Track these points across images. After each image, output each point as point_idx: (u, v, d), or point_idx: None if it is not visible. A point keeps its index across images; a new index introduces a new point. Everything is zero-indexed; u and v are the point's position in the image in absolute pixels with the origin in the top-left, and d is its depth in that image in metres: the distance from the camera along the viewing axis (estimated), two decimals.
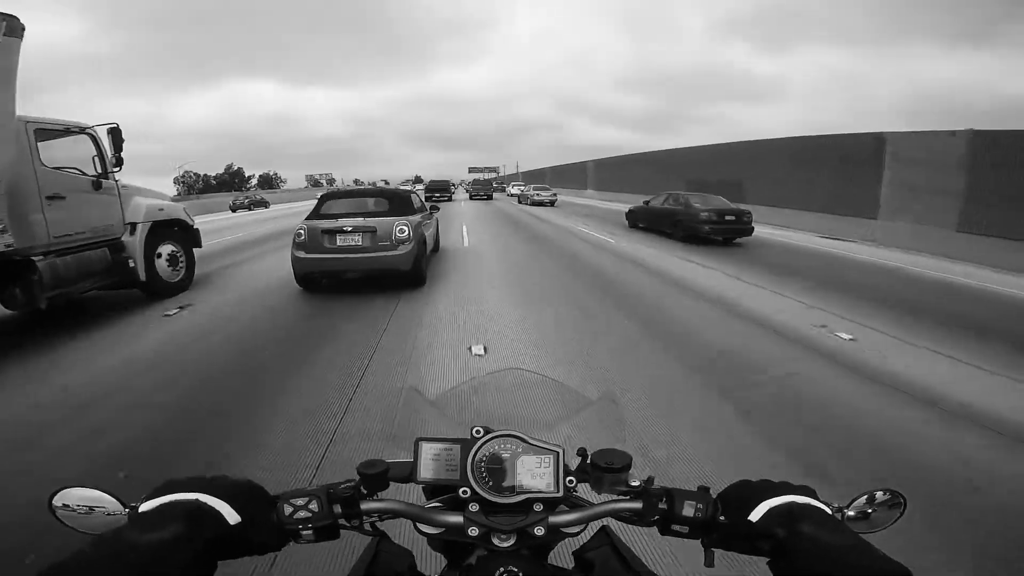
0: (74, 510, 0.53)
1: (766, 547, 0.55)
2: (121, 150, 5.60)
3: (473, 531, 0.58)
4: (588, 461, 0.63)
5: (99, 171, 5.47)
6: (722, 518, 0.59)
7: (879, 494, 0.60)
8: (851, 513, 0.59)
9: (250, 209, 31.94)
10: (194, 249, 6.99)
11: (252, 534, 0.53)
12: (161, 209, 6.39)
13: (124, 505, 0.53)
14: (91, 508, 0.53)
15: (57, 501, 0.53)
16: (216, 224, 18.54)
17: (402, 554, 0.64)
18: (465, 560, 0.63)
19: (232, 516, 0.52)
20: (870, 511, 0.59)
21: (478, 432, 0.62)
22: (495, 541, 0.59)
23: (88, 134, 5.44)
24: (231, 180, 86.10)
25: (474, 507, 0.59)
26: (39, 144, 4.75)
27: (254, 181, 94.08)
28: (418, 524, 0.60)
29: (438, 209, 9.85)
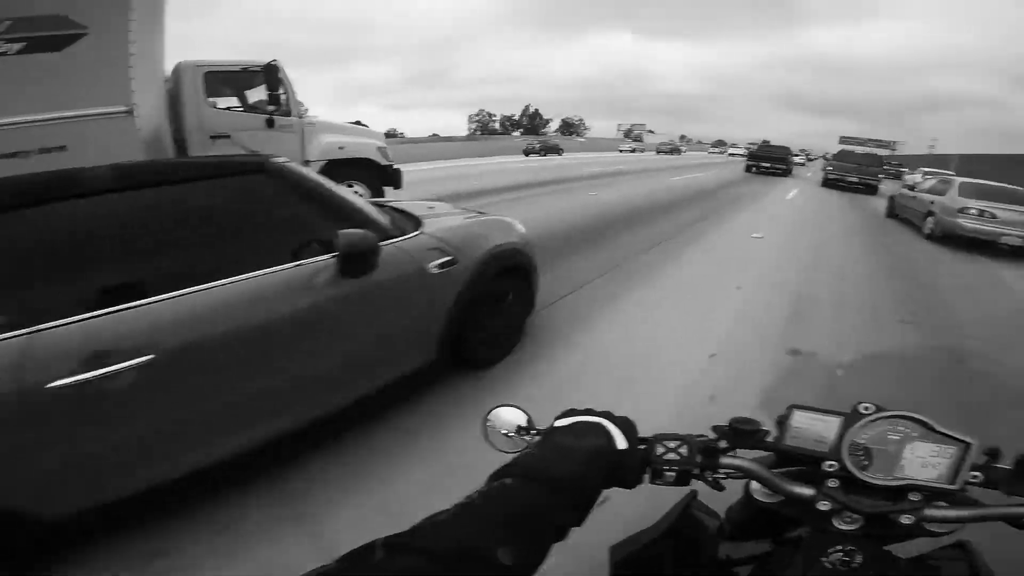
0: (498, 428, 0.63)
1: None
2: (276, 89, 5.40)
3: (824, 505, 0.56)
4: (996, 462, 0.58)
5: (274, 108, 5.49)
6: None
7: None
8: None
9: (542, 155, 31.30)
10: (393, 187, 6.63)
11: (626, 464, 0.54)
12: (342, 147, 6.21)
13: (535, 431, 0.62)
14: (512, 427, 0.63)
15: (488, 421, 0.64)
16: (487, 168, 17.56)
17: (711, 514, 0.68)
18: (786, 534, 0.62)
19: (622, 441, 0.54)
20: None
21: (867, 408, 0.56)
22: (837, 523, 0.56)
23: (263, 71, 5.45)
24: (530, 123, 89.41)
25: (834, 483, 0.56)
26: (206, 85, 5.01)
27: (554, 125, 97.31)
28: (752, 489, 0.61)
29: None
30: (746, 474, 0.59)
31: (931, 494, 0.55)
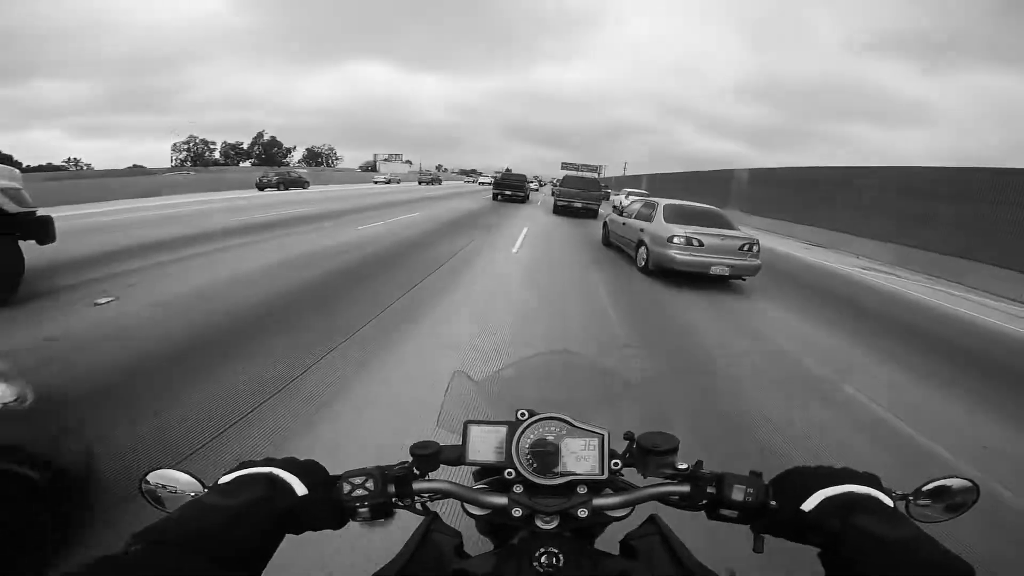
0: (163, 489, 0.58)
1: (818, 538, 0.53)
2: None
3: (517, 512, 0.59)
4: (635, 444, 0.64)
5: None
6: (773, 504, 0.57)
7: (949, 481, 0.57)
8: (920, 502, 0.57)
9: (280, 188, 26.07)
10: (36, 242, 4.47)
11: (316, 509, 0.55)
12: None
13: (204, 485, 0.57)
14: (176, 488, 0.58)
15: (149, 480, 0.58)
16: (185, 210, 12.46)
17: (451, 534, 0.67)
18: (510, 542, 0.64)
19: (301, 488, 0.55)
20: (938, 501, 0.57)
21: (523, 415, 0.63)
22: (539, 523, 0.60)
23: None
24: (264, 152, 76.54)
25: (518, 489, 0.60)
26: None
27: (297, 155, 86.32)
28: (466, 505, 0.62)
29: None
30: (444, 494, 0.62)
31: (595, 485, 0.62)
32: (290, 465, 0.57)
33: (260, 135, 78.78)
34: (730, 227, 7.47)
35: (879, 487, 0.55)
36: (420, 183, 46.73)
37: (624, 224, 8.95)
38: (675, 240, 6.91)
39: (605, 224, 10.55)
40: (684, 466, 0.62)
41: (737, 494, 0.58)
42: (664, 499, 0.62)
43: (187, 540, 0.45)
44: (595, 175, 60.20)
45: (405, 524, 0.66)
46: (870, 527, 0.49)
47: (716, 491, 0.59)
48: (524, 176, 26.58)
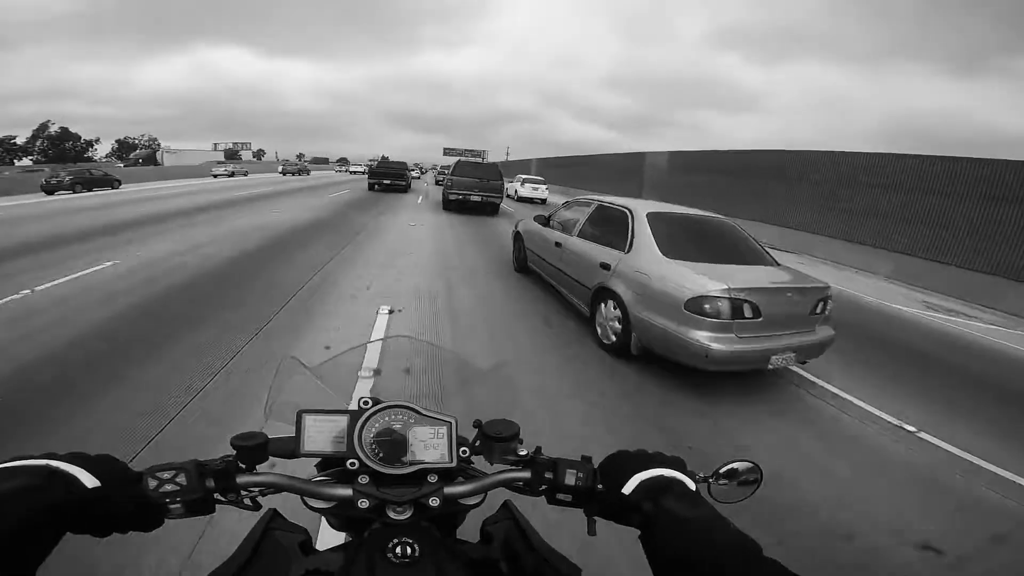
0: None
1: (636, 520, 0.55)
2: None
3: (363, 503, 0.56)
4: (482, 435, 0.64)
5: None
6: (600, 487, 0.60)
7: (739, 464, 0.62)
8: (719, 483, 0.62)
9: (76, 191, 19.40)
10: None
11: (114, 506, 0.50)
12: None
13: None
14: None
15: None
16: None
17: (295, 530, 0.62)
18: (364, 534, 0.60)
19: (90, 480, 0.49)
20: (732, 482, 0.62)
21: (366, 403, 0.62)
22: (391, 514, 0.57)
23: None
24: (52, 146, 59.03)
25: (364, 479, 0.58)
26: None
27: (101, 150, 69.25)
28: (306, 499, 0.58)
29: None
30: (276, 488, 0.58)
31: (445, 473, 0.60)
32: (76, 458, 0.51)
33: (44, 127, 58.65)
34: (765, 259, 3.93)
35: (683, 470, 0.60)
36: (284, 174, 42.61)
37: (560, 247, 4.84)
38: (707, 309, 3.08)
39: (518, 237, 6.43)
40: (524, 452, 0.64)
41: (569, 478, 0.60)
42: (509, 485, 0.63)
43: None
44: (488, 160, 51.63)
45: (246, 523, 0.62)
46: (673, 508, 0.52)
47: (552, 476, 0.61)
48: (405, 164, 23.71)
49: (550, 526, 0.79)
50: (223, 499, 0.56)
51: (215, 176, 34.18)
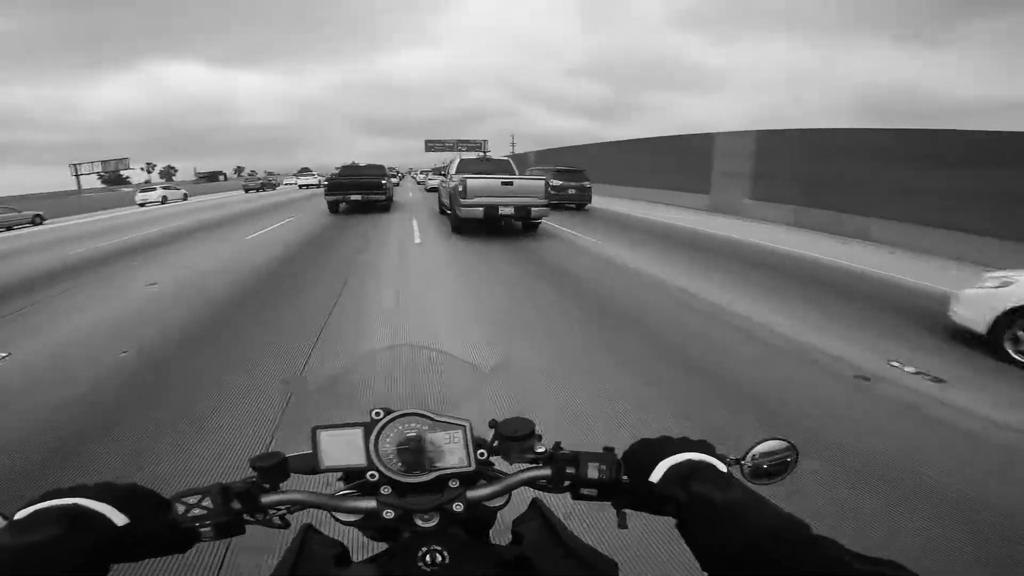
0: None
1: (670, 509, 0.54)
2: None
3: (388, 514, 0.57)
4: (498, 436, 0.63)
5: None
6: (625, 478, 0.59)
7: (772, 443, 0.61)
8: (749, 464, 0.60)
9: None
10: None
11: (145, 535, 0.52)
12: None
13: (5, 518, 0.49)
14: None
15: None
16: None
17: (331, 544, 0.63)
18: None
19: (118, 517, 0.50)
20: (765, 464, 0.60)
21: (377, 414, 0.61)
22: (419, 522, 0.58)
23: None
24: None
25: (386, 490, 0.59)
26: None
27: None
28: (334, 513, 0.60)
29: None
30: (301, 505, 0.59)
31: (466, 477, 0.60)
32: (105, 492, 0.51)
33: None
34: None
35: (713, 453, 0.58)
36: (246, 191, 40.74)
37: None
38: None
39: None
40: (542, 449, 0.63)
41: (592, 472, 0.59)
42: (532, 484, 0.63)
43: None
44: (476, 153, 44.62)
45: (285, 541, 0.63)
46: (707, 493, 0.50)
47: (574, 471, 0.60)
48: (382, 168, 17.43)
49: (581, 520, 0.86)
50: (252, 519, 0.57)
51: (141, 205, 27.33)
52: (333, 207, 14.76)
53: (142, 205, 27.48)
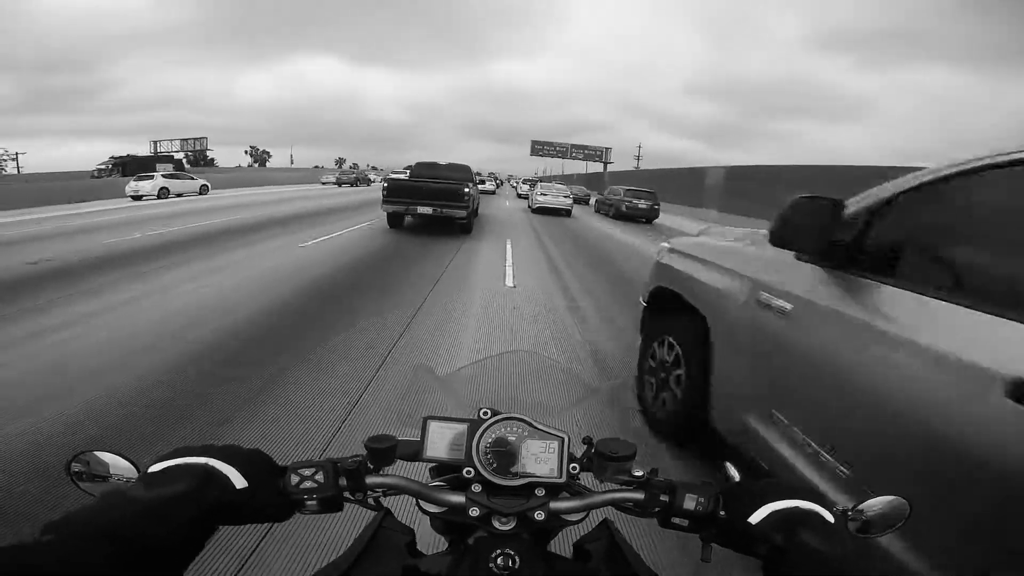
0: (90, 474, 0.54)
1: (763, 551, 0.54)
2: None
3: (474, 511, 0.58)
4: (593, 450, 0.64)
5: None
6: (723, 514, 0.58)
7: (887, 500, 0.59)
8: (858, 518, 0.59)
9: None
10: None
11: (257, 501, 0.53)
12: None
13: (138, 469, 0.54)
14: (107, 473, 0.55)
15: (75, 466, 0.54)
16: None
17: (403, 531, 0.66)
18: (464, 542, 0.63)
19: (239, 481, 0.52)
20: (875, 517, 0.59)
21: (485, 413, 0.63)
22: (495, 524, 0.59)
23: None
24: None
25: (477, 488, 0.59)
26: None
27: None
28: (420, 502, 0.61)
29: None
30: (398, 490, 0.60)
31: (553, 487, 0.60)
32: (231, 455, 0.54)
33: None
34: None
35: (822, 503, 0.56)
36: (339, 184, 40.77)
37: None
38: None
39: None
40: (640, 473, 0.62)
41: (689, 503, 0.59)
42: (619, 505, 0.62)
43: (100, 533, 0.42)
44: (594, 162, 49.26)
45: (356, 517, 0.64)
46: (811, 543, 0.50)
47: (669, 500, 0.60)
48: (467, 169, 12.29)
49: (637, 538, 0.81)
50: (351, 498, 0.59)
51: (134, 198, 20.03)
52: (394, 220, 10.85)
53: (136, 199, 20.15)
